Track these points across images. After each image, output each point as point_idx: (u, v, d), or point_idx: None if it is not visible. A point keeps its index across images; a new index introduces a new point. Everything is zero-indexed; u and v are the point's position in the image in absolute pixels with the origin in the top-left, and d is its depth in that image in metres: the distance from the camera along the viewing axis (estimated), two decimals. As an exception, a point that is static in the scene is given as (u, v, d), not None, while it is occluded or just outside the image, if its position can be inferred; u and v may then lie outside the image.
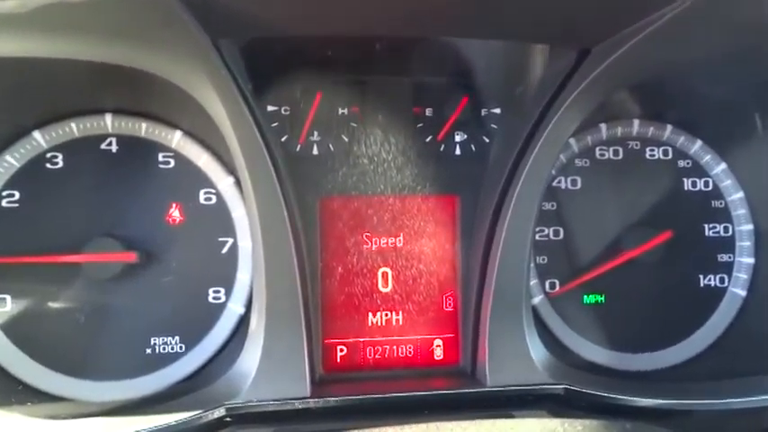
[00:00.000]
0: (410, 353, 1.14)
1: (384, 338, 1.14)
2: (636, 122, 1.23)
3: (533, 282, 1.18)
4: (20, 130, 1.07)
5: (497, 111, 1.17)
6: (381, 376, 1.11)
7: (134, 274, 1.06)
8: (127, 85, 1.03)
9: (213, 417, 0.93)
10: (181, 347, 1.08)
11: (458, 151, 1.17)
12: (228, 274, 1.10)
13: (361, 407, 0.99)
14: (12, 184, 1.07)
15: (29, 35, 0.84)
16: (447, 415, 0.95)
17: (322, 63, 1.12)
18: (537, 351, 1.05)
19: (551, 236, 1.20)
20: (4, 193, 1.06)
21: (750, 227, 1.24)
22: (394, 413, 0.97)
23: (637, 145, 1.23)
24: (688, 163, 1.24)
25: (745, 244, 1.23)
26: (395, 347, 1.14)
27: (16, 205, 1.06)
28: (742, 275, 1.23)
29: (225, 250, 1.10)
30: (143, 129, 1.10)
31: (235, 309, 1.09)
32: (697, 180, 1.24)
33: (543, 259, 1.19)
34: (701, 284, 1.23)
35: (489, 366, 1.03)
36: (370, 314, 1.14)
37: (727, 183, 1.24)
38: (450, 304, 1.15)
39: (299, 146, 1.13)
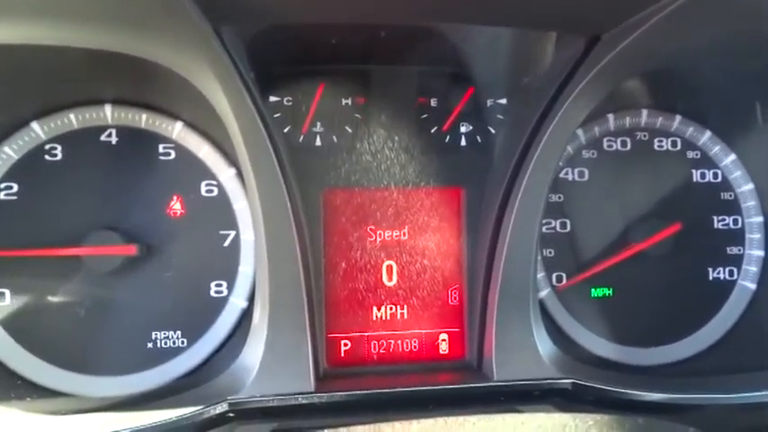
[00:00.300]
0: (415, 347, 1.12)
1: (388, 333, 1.12)
2: (644, 113, 1.21)
3: (540, 275, 1.16)
4: (18, 121, 1.05)
5: (503, 101, 1.15)
6: (386, 371, 1.10)
7: (134, 267, 1.05)
8: (127, 74, 1.01)
9: (216, 412, 0.91)
10: (182, 342, 1.07)
11: (463, 142, 1.15)
12: (230, 268, 1.08)
13: (365, 402, 0.98)
14: (10, 176, 1.05)
15: (28, 21, 0.82)
16: (453, 409, 0.94)
17: (325, 53, 1.10)
18: (544, 345, 1.04)
19: (558, 228, 1.18)
20: (3, 186, 1.04)
21: (760, 219, 1.22)
22: (399, 408, 0.96)
23: (645, 136, 1.21)
24: (697, 154, 1.22)
25: (755, 236, 1.22)
26: (399, 342, 1.12)
27: (15, 198, 1.05)
28: (752, 268, 1.21)
29: (227, 243, 1.09)
30: (143, 120, 1.08)
31: (237, 303, 1.08)
32: (706, 171, 1.22)
33: (550, 252, 1.17)
34: (711, 277, 1.21)
35: (496, 360, 1.01)
36: (375, 308, 1.12)
37: (736, 174, 1.22)
38: (455, 298, 1.13)
39: (301, 137, 1.11)
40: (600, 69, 0.94)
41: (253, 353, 0.97)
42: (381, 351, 1.12)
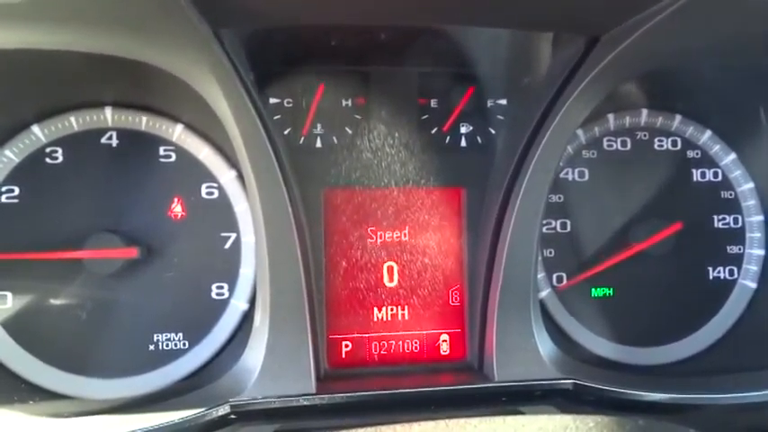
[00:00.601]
0: (416, 348, 1.13)
1: (389, 333, 1.12)
2: (644, 112, 1.21)
3: (540, 275, 1.16)
4: (18, 124, 1.06)
5: (504, 102, 1.15)
6: (387, 372, 1.10)
7: (136, 269, 1.05)
8: (127, 77, 1.01)
9: (217, 414, 0.91)
10: (184, 344, 1.07)
11: (463, 143, 1.15)
12: (231, 270, 1.08)
13: (366, 403, 0.98)
14: (11, 179, 1.05)
15: (28, 26, 0.82)
16: (455, 411, 0.94)
17: (325, 54, 1.10)
18: (545, 345, 1.04)
19: (559, 228, 1.18)
20: (4, 189, 1.05)
21: (761, 218, 1.22)
22: (400, 409, 0.96)
23: (645, 135, 1.21)
24: (697, 153, 1.22)
25: (755, 235, 1.22)
26: (400, 342, 1.12)
27: (16, 201, 1.05)
28: (752, 267, 1.21)
29: (228, 245, 1.09)
30: (143, 122, 1.09)
31: (238, 305, 1.08)
32: (706, 171, 1.22)
33: (551, 252, 1.18)
34: (711, 277, 1.21)
35: (497, 361, 1.01)
36: (375, 309, 1.12)
37: (737, 173, 1.22)
38: (456, 298, 1.13)
39: (302, 138, 1.11)
40: (600, 70, 0.94)
41: (254, 355, 0.97)
42: (382, 352, 1.12)
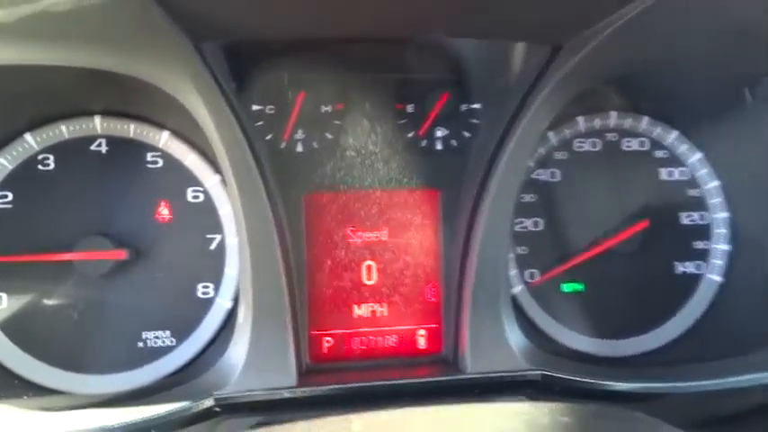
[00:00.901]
0: (395, 343, 1.18)
1: (369, 329, 1.17)
2: (613, 115, 1.26)
3: (513, 272, 1.21)
4: (12, 133, 1.10)
5: (478, 106, 1.20)
6: (367, 366, 1.15)
7: (125, 270, 1.10)
8: (114, 88, 1.06)
9: (202, 407, 0.96)
10: (172, 341, 1.12)
11: (439, 146, 1.20)
12: (217, 270, 1.13)
13: (346, 395, 1.03)
14: (5, 185, 1.10)
15: (16, 43, 0.87)
16: (429, 402, 0.99)
17: (305, 63, 1.15)
18: (516, 339, 1.09)
19: (531, 227, 1.23)
20: (-2, 195, 1.10)
21: (726, 215, 1.27)
22: (378, 401, 1.01)
23: (614, 137, 1.26)
24: (665, 153, 1.27)
25: (720, 231, 1.27)
26: (380, 338, 1.17)
27: (10, 206, 1.10)
28: (717, 262, 1.26)
29: (213, 247, 1.14)
30: (131, 130, 1.13)
31: (223, 303, 1.13)
32: (673, 170, 1.27)
33: (524, 250, 1.23)
34: (678, 271, 1.26)
35: (470, 355, 1.07)
36: (356, 306, 1.17)
37: (702, 172, 1.27)
38: (433, 295, 1.18)
39: (284, 143, 1.16)
40: (563, 77, 0.99)
41: (238, 351, 1.02)
42: (362, 347, 1.17)
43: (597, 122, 1.25)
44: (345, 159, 1.18)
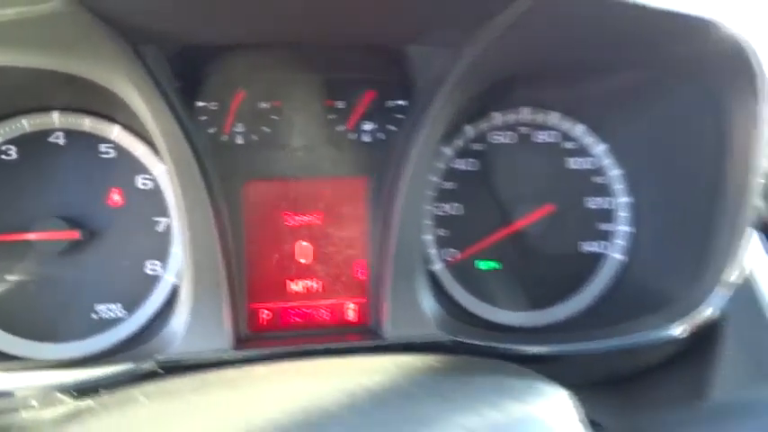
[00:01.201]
0: (327, 315, 1.31)
1: (304, 303, 1.31)
2: (526, 110, 1.39)
3: (433, 251, 1.35)
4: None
5: (403, 103, 1.33)
6: (300, 334, 1.28)
7: (80, 249, 1.23)
8: (69, 86, 1.17)
9: (145, 368, 1.09)
10: (122, 313, 1.25)
11: (367, 138, 1.33)
12: (163, 250, 1.26)
13: (275, 358, 1.16)
14: (-29, 174, 1.23)
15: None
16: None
17: (244, 64, 1.28)
18: (432, 310, 1.23)
19: (451, 211, 1.37)
20: (-36, 182, 1.22)
21: (628, 200, 1.41)
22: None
23: (527, 130, 1.40)
24: (573, 145, 1.41)
25: (623, 215, 1.41)
26: (313, 311, 1.31)
27: (-25, 192, 1.23)
28: (620, 242, 1.40)
29: (160, 228, 1.26)
30: (86, 124, 1.26)
31: (169, 279, 1.26)
32: (580, 159, 1.41)
33: (444, 232, 1.36)
34: (584, 250, 1.41)
35: (389, 324, 1.20)
36: (292, 282, 1.31)
37: (607, 162, 1.41)
38: (361, 273, 1.32)
39: (225, 136, 1.29)
40: (460, 76, 1.13)
41: (180, 321, 1.15)
42: (297, 319, 1.30)
43: (511, 117, 1.39)
44: (282, 151, 1.31)
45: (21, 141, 1.24)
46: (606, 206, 1.41)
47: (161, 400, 0.87)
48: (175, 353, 1.12)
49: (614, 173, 1.41)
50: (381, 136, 1.33)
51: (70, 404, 0.96)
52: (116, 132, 1.26)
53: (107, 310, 1.24)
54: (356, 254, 1.32)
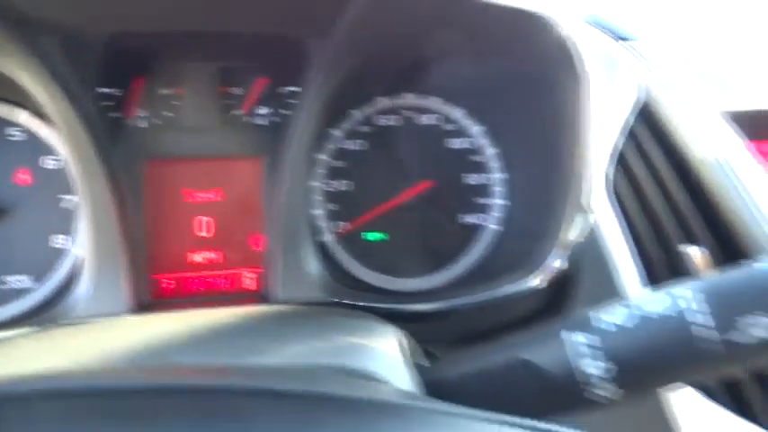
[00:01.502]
0: (226, 284, 1.44)
1: (204, 273, 1.43)
2: (410, 95, 1.54)
3: (324, 224, 1.49)
4: None
5: (295, 89, 1.45)
6: (200, 301, 1.41)
7: (-10, 225, 1.34)
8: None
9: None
10: (31, 283, 1.35)
11: (262, 122, 1.45)
12: (70, 225, 1.37)
13: (172, 320, 1.29)
14: None
15: None
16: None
17: (143, 52, 1.39)
18: (319, 276, 1.37)
19: (340, 188, 1.51)
20: None
21: (504, 176, 1.56)
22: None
23: (410, 113, 1.54)
24: (453, 126, 1.56)
25: (498, 189, 1.56)
26: (213, 280, 1.44)
27: None
28: (496, 214, 1.56)
29: (67, 205, 1.37)
30: (-2, 110, 1.36)
31: (75, 252, 1.37)
32: (459, 140, 1.56)
33: (334, 206, 1.50)
34: (464, 222, 1.56)
35: (279, 290, 1.34)
36: (194, 255, 1.43)
37: (483, 142, 1.56)
38: (257, 245, 1.45)
39: (128, 120, 1.40)
40: (328, 62, 1.27)
41: (83, 289, 1.26)
42: (198, 288, 1.43)
43: (396, 102, 1.53)
44: (182, 133, 1.43)
45: (-64, 126, 1.34)
46: (484, 182, 1.57)
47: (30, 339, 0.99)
48: (78, 317, 1.23)
49: (490, 152, 1.56)
50: (276, 119, 1.46)
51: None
52: (24, 117, 1.36)
53: (16, 281, 1.35)
54: (252, 228, 1.45)
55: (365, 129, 1.52)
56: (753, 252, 1.41)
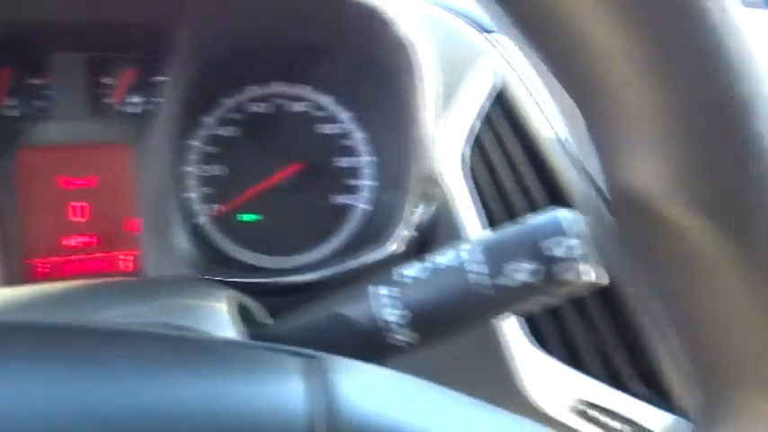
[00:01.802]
0: (103, 267, 1.50)
1: (81, 257, 1.49)
2: (280, 84, 1.63)
3: (198, 207, 1.56)
4: None
5: (164, 78, 1.52)
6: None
7: None
8: None
9: None
10: None
11: (134, 110, 1.51)
12: (-58, 213, 1.40)
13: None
14: None
15: None
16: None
17: (7, 42, 1.43)
18: (189, 256, 1.44)
19: (214, 172, 1.58)
20: None
21: (372, 158, 1.67)
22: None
23: (282, 101, 1.63)
24: (323, 113, 1.65)
25: (367, 171, 1.67)
26: (90, 263, 1.49)
27: None
28: (366, 194, 1.67)
29: (-61, 195, 1.40)
30: None
31: (-49, 239, 1.40)
32: (329, 125, 1.66)
33: (208, 190, 1.57)
34: (336, 203, 1.66)
35: (150, 269, 1.41)
36: (69, 239, 1.48)
37: (352, 127, 1.66)
38: (132, 228, 1.51)
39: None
40: (184, 52, 1.34)
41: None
42: (75, 271, 1.48)
43: (267, 90, 1.61)
44: (55, 122, 1.47)
45: None
46: (354, 165, 1.67)
47: None
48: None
49: (358, 136, 1.67)
50: (149, 108, 1.52)
51: None
52: None
53: None
54: (128, 212, 1.51)
55: (237, 116, 1.60)
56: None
